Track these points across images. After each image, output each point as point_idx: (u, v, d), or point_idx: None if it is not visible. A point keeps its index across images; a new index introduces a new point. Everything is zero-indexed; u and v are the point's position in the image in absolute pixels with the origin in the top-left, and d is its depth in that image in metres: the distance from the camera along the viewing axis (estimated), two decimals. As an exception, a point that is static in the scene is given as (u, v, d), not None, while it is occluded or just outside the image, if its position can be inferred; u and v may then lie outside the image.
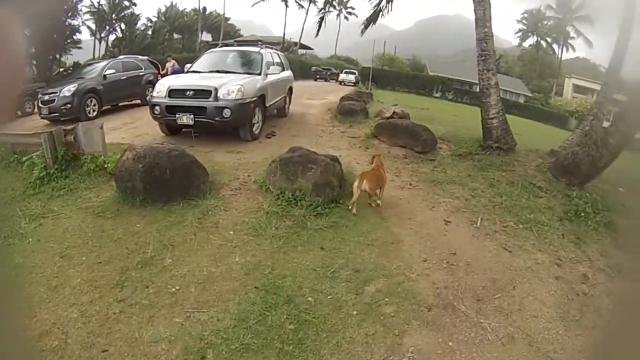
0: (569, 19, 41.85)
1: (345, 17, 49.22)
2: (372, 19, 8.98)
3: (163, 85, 5.78)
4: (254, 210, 3.72)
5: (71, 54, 30.84)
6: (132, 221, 3.63)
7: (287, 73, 8.38)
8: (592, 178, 5.12)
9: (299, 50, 44.61)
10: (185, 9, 49.66)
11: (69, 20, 21.55)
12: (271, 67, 6.67)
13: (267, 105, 6.51)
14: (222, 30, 41.06)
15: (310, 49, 51.55)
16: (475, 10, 5.98)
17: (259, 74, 6.35)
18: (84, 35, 31.31)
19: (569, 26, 42.24)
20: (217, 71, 6.35)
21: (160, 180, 3.74)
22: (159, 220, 3.59)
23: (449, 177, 5.10)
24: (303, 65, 34.50)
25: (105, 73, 9.09)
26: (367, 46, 17.79)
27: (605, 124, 5.81)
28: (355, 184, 3.71)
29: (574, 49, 44.35)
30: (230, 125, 5.68)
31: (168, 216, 3.65)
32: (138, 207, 3.79)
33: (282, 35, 43.50)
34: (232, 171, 4.61)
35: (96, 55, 31.08)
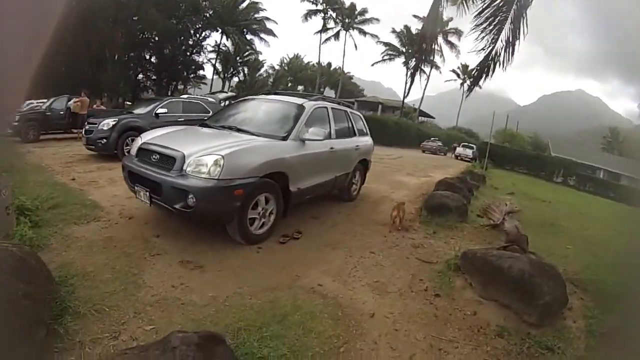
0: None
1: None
2: (481, 72, 5.91)
3: (141, 139, 3.93)
4: None
5: (200, 88, 34.90)
6: None
7: (359, 140, 5.74)
8: None
9: (419, 117, 42.75)
10: (310, 62, 53.51)
11: (194, 56, 24.02)
12: (312, 129, 4.17)
13: (294, 189, 3.99)
14: (339, 87, 42.07)
15: (431, 117, 49.32)
16: None
17: (285, 138, 3.98)
18: (209, 72, 35.22)
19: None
20: (230, 128, 4.21)
21: None
22: None
23: None
24: (421, 133, 32.83)
25: (157, 111, 8.21)
26: (489, 121, 15.34)
27: None
28: (394, 212, 4.64)
29: None
30: (200, 218, 3.34)
31: None
32: None
33: (402, 99, 42.38)
34: (127, 313, 2.15)
35: (217, 93, 34.56)
